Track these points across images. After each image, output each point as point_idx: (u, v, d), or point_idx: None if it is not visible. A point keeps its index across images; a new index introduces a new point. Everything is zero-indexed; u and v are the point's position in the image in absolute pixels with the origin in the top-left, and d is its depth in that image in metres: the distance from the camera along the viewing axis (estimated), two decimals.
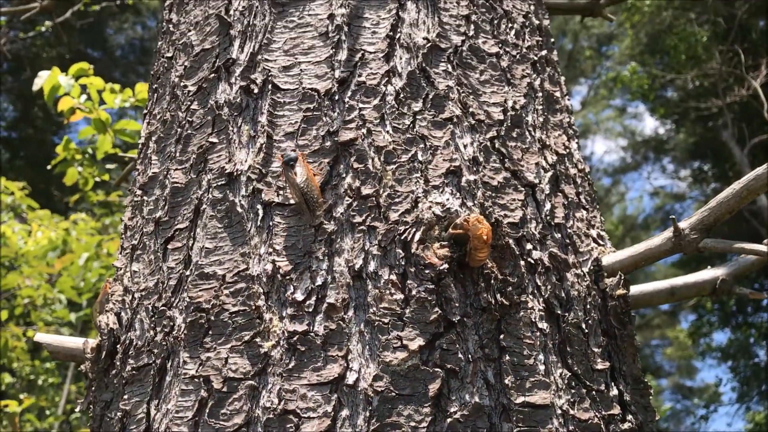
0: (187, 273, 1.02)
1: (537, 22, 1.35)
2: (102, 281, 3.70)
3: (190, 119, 1.16)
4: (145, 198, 1.18)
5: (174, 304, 1.01)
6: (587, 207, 1.18)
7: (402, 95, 1.09)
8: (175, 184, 1.11)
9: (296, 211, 1.00)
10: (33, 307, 4.66)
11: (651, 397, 1.08)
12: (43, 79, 2.81)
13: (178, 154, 1.15)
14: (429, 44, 1.14)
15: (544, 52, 1.31)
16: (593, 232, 1.14)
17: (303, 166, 1.00)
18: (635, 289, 1.36)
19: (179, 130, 1.17)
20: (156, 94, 1.32)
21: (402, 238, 0.97)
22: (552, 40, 1.42)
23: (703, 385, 18.53)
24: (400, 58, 1.12)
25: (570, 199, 1.14)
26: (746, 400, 13.30)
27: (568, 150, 1.21)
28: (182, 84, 1.22)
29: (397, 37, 1.14)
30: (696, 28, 11.08)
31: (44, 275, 4.54)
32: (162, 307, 1.02)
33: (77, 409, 1.22)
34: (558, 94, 1.29)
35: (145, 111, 1.36)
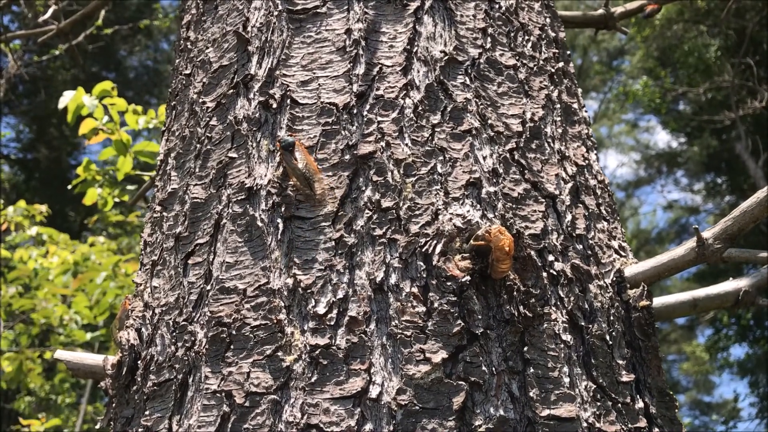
0: (208, 288, 1.02)
1: (553, 34, 1.35)
2: (119, 300, 3.70)
3: (209, 135, 1.17)
4: (164, 214, 1.18)
5: (195, 319, 1.01)
6: (608, 218, 1.17)
7: (420, 108, 1.09)
8: (195, 200, 1.12)
9: (299, 194, 1.02)
10: (49, 328, 4.68)
11: (677, 410, 1.06)
12: (68, 98, 2.85)
13: (197, 170, 1.15)
14: (446, 57, 1.14)
15: (561, 64, 1.31)
16: (615, 243, 1.14)
17: (301, 151, 1.02)
18: (657, 301, 1.34)
19: (198, 146, 1.18)
20: (174, 111, 1.33)
21: (423, 250, 0.96)
22: (568, 52, 1.42)
23: (722, 400, 18.30)
24: (418, 72, 1.12)
25: (591, 210, 1.13)
26: (766, 415, 13.10)
27: (587, 161, 1.21)
28: (201, 100, 1.23)
29: (414, 50, 1.14)
30: (708, 39, 11.07)
31: (59, 296, 4.56)
32: (183, 322, 1.02)
33: (97, 426, 1.22)
34: (576, 105, 1.29)
35: (164, 128, 1.37)
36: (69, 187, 3.26)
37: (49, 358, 4.72)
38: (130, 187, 3.16)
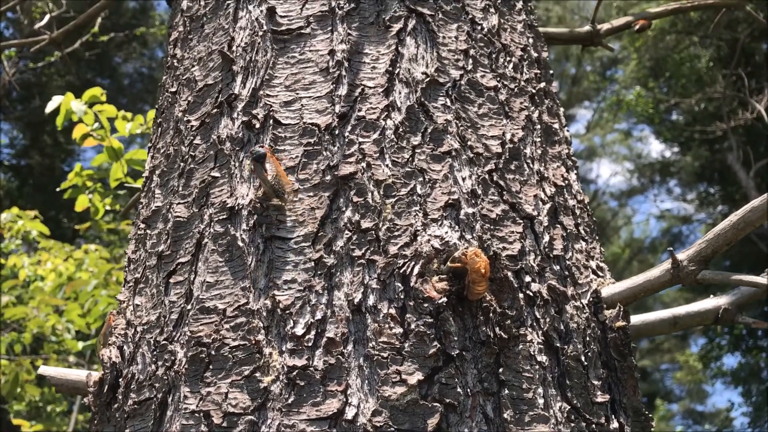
0: (189, 307, 1.03)
1: (535, 54, 1.36)
2: (111, 308, 3.70)
3: (193, 154, 1.18)
4: (148, 231, 1.19)
5: (175, 339, 1.02)
6: (586, 238, 1.18)
7: (401, 129, 1.10)
8: (178, 218, 1.13)
9: (267, 201, 1.04)
10: (42, 337, 4.66)
11: (653, 429, 1.07)
12: (57, 103, 2.86)
13: (180, 188, 1.16)
14: (428, 79, 1.16)
15: (542, 85, 1.32)
16: (592, 264, 1.15)
17: (272, 162, 1.04)
18: (638, 318, 1.36)
19: (182, 164, 1.19)
20: (160, 128, 1.34)
21: (401, 271, 0.97)
22: (551, 72, 1.44)
23: (714, 410, 18.32)
24: (400, 93, 1.14)
25: (569, 231, 1.14)
26: (759, 425, 13.12)
27: (566, 181, 1.22)
28: (185, 119, 1.24)
29: (396, 72, 1.16)
30: (700, 50, 11.14)
31: (52, 306, 4.55)
32: (164, 341, 1.03)
33: None
34: (556, 125, 1.30)
35: (150, 144, 1.38)
36: (58, 190, 3.25)
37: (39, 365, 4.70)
38: (120, 193, 3.16)
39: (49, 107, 2.92)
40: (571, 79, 17.12)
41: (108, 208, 3.27)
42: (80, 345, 4.47)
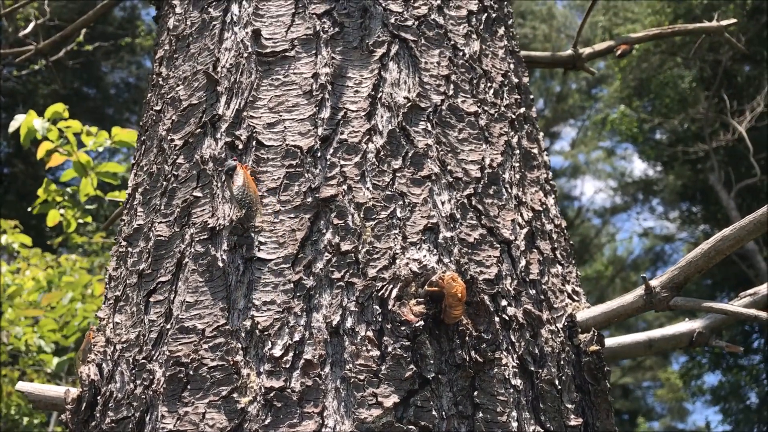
0: (168, 326, 1.03)
1: (516, 80, 1.39)
2: (87, 322, 3.66)
3: (176, 173, 1.19)
4: (129, 249, 1.20)
5: (154, 358, 1.02)
6: (563, 262, 1.20)
7: (382, 153, 1.12)
8: (159, 237, 1.14)
9: (236, 215, 1.06)
10: (17, 352, 4.61)
11: None
12: (19, 122, 2.85)
13: (162, 207, 1.17)
14: (409, 103, 1.18)
15: (522, 110, 1.35)
16: (568, 288, 1.17)
17: (242, 175, 1.07)
18: (614, 341, 1.38)
19: (165, 183, 1.20)
20: (144, 146, 1.35)
21: (379, 294, 0.99)
22: (531, 97, 1.46)
23: (695, 428, 18.40)
24: (381, 117, 1.16)
25: (545, 255, 1.16)
26: None
27: (544, 206, 1.24)
28: (169, 137, 1.25)
29: (378, 96, 1.18)
30: (683, 71, 11.30)
31: (30, 318, 4.50)
32: (142, 360, 1.03)
33: None
34: (535, 150, 1.32)
35: (133, 161, 1.39)
36: (29, 210, 3.24)
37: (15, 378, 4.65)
38: (89, 207, 3.15)
39: (12, 127, 2.91)
40: (556, 96, 17.29)
41: (81, 221, 3.27)
42: (55, 360, 4.41)
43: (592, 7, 2.38)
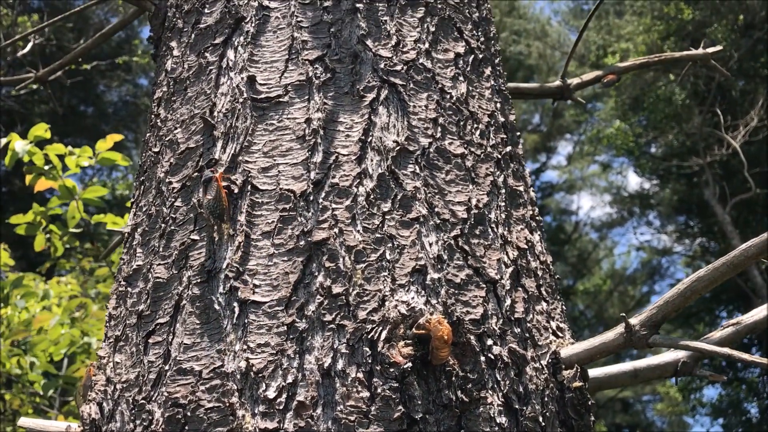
0: (166, 367, 1.07)
1: (502, 119, 1.44)
2: (75, 347, 3.66)
3: (174, 216, 1.23)
4: (129, 289, 1.24)
5: (153, 398, 1.06)
6: (548, 299, 1.25)
7: (372, 196, 1.17)
8: (158, 279, 1.18)
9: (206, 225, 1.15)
10: (9, 378, 4.62)
11: None
12: (2, 145, 2.88)
13: (161, 249, 1.21)
14: (398, 147, 1.22)
15: (508, 148, 1.40)
16: (553, 325, 1.21)
17: (215, 188, 1.16)
18: (600, 371, 1.42)
19: (163, 225, 1.24)
20: (143, 186, 1.39)
21: (369, 336, 1.03)
22: (518, 134, 1.51)
23: None
24: (371, 161, 1.20)
25: (530, 293, 1.21)
26: None
27: (530, 243, 1.29)
28: (167, 180, 1.29)
29: (368, 140, 1.22)
30: (676, 88, 11.41)
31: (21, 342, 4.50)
32: (142, 401, 1.07)
33: None
34: (521, 188, 1.37)
35: (132, 201, 1.43)
36: (16, 230, 3.27)
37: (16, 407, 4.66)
38: (75, 231, 3.17)
39: (1, 144, 2.95)
40: (552, 111, 17.39)
41: (68, 246, 3.30)
42: (42, 382, 4.38)
43: (584, 30, 2.43)
